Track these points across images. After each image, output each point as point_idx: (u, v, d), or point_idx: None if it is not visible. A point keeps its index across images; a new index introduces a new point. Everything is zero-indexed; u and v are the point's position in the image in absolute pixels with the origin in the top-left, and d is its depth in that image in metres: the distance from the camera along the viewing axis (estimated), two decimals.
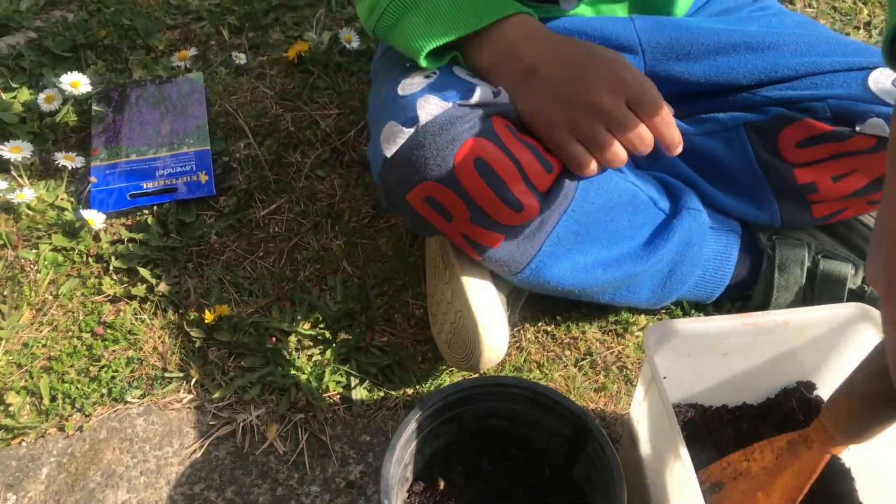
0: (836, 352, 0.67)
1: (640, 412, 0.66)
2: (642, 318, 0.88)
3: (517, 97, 0.69)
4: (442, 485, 0.68)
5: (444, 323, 0.82)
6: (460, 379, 0.76)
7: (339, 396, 0.82)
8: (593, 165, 0.68)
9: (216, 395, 0.82)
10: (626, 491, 0.60)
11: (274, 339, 0.85)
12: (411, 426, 0.65)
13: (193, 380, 0.83)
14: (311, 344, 0.86)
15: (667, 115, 0.67)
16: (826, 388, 0.70)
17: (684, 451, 0.55)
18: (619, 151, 0.67)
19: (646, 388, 0.63)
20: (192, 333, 0.86)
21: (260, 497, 0.76)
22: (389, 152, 0.67)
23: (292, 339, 0.86)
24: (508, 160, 0.65)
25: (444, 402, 0.66)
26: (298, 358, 0.84)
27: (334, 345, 0.85)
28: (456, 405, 0.67)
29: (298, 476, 0.78)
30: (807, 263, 0.81)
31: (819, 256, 0.82)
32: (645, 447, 0.65)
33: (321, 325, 0.87)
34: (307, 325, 0.87)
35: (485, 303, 0.76)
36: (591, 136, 0.66)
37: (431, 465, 0.70)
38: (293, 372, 0.83)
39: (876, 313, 0.63)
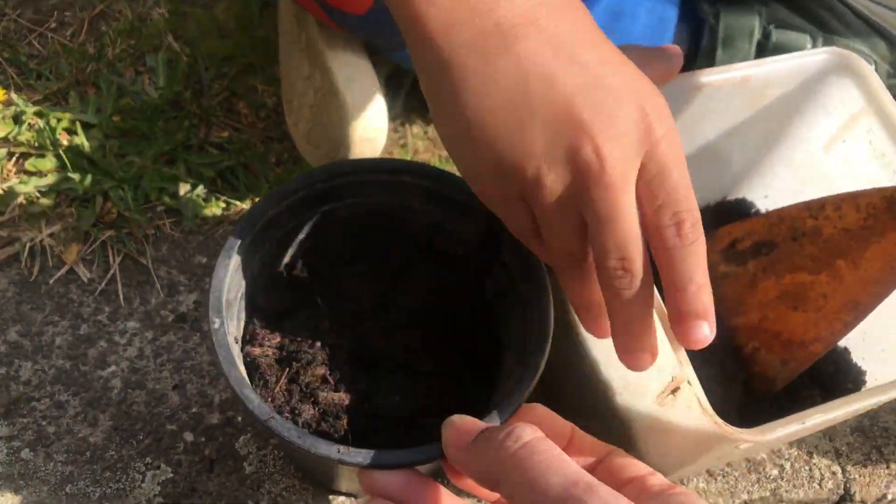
0: (802, 116, 0.52)
1: None
2: None
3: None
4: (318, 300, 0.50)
5: (301, 108, 0.62)
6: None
7: (163, 208, 0.63)
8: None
9: None
10: (553, 316, 0.43)
11: (70, 134, 0.63)
12: (259, 224, 0.46)
13: None
14: (125, 140, 0.64)
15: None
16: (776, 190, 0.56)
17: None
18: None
19: None
20: None
21: (57, 338, 0.57)
22: None
23: (96, 133, 0.64)
24: None
25: (306, 192, 0.48)
26: (105, 158, 0.63)
27: (156, 141, 0.64)
28: (324, 198, 0.49)
29: (110, 310, 0.59)
30: (756, 35, 0.66)
31: (771, 27, 0.66)
32: None
33: (137, 117, 0.65)
34: (117, 118, 0.65)
35: (353, 75, 0.56)
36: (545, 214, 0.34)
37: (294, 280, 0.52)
38: (99, 177, 0.62)
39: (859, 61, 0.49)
